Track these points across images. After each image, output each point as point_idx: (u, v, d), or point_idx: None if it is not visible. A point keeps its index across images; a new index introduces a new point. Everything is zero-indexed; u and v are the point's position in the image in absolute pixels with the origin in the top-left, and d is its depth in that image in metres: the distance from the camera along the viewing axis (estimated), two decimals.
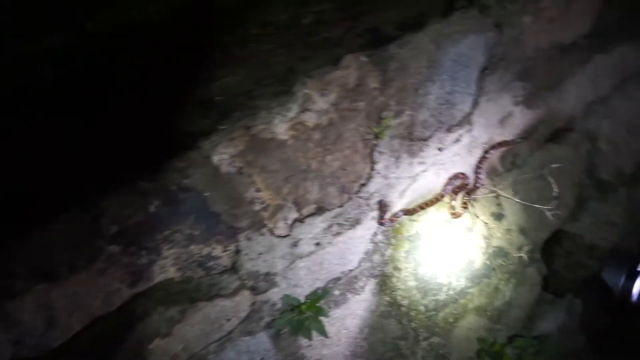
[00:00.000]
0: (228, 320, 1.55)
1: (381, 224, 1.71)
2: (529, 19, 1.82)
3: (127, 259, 1.34)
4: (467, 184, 1.84)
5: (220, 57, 1.71)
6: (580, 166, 2.22)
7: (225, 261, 1.50)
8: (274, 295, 1.61)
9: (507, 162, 1.99)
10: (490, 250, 2.02)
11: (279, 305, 1.62)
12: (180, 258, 1.42)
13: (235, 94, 1.50)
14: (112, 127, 1.44)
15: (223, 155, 1.39)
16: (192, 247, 1.43)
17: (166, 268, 1.41)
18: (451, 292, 1.96)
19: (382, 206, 1.69)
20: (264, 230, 1.53)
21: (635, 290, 1.97)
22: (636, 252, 2.09)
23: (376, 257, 1.77)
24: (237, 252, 1.51)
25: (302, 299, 1.65)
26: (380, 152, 1.67)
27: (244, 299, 1.56)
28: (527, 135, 1.99)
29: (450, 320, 2.00)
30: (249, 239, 1.52)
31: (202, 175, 1.38)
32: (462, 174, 1.84)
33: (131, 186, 1.30)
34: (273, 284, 1.60)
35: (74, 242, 1.26)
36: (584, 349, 2.64)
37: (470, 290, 2.02)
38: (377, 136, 1.64)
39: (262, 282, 1.58)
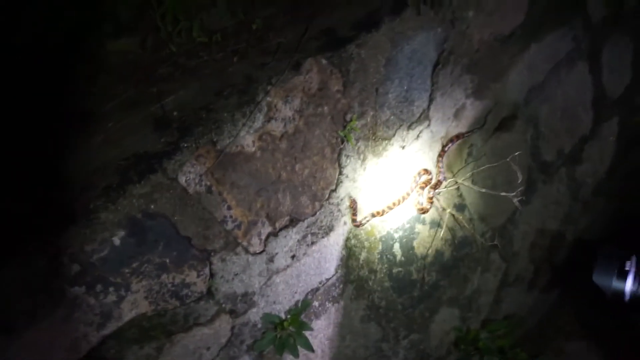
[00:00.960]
0: (208, 349, 1.46)
1: (355, 225, 1.68)
2: (472, 13, 1.88)
3: (93, 299, 1.21)
4: (431, 179, 1.86)
5: (165, 69, 1.61)
6: (526, 150, 2.34)
7: (200, 287, 1.40)
8: (254, 315, 1.54)
9: (464, 153, 2.04)
10: (457, 241, 2.06)
11: (259, 326, 1.55)
12: (152, 290, 1.31)
13: (194, 108, 1.41)
14: (57, 152, 1.30)
15: (190, 174, 1.30)
16: (163, 276, 1.32)
17: (137, 303, 1.29)
18: (425, 288, 1.98)
19: (354, 206, 1.66)
20: (239, 249, 1.45)
21: (627, 290, 2.04)
22: (622, 251, 2.14)
23: (351, 262, 1.74)
24: (212, 275, 1.42)
25: (282, 316, 1.59)
26: (347, 156, 1.65)
27: (224, 323, 1.47)
28: (479, 125, 2.05)
29: (427, 314, 2.02)
30: (223, 260, 1.43)
31: (169, 198, 1.28)
32: (426, 169, 1.85)
33: (91, 218, 1.18)
34: (252, 304, 1.52)
35: (30, 288, 1.12)
36: (542, 323, 2.80)
37: (442, 282, 2.05)
38: (343, 140, 1.61)
39: (240, 303, 1.50)
